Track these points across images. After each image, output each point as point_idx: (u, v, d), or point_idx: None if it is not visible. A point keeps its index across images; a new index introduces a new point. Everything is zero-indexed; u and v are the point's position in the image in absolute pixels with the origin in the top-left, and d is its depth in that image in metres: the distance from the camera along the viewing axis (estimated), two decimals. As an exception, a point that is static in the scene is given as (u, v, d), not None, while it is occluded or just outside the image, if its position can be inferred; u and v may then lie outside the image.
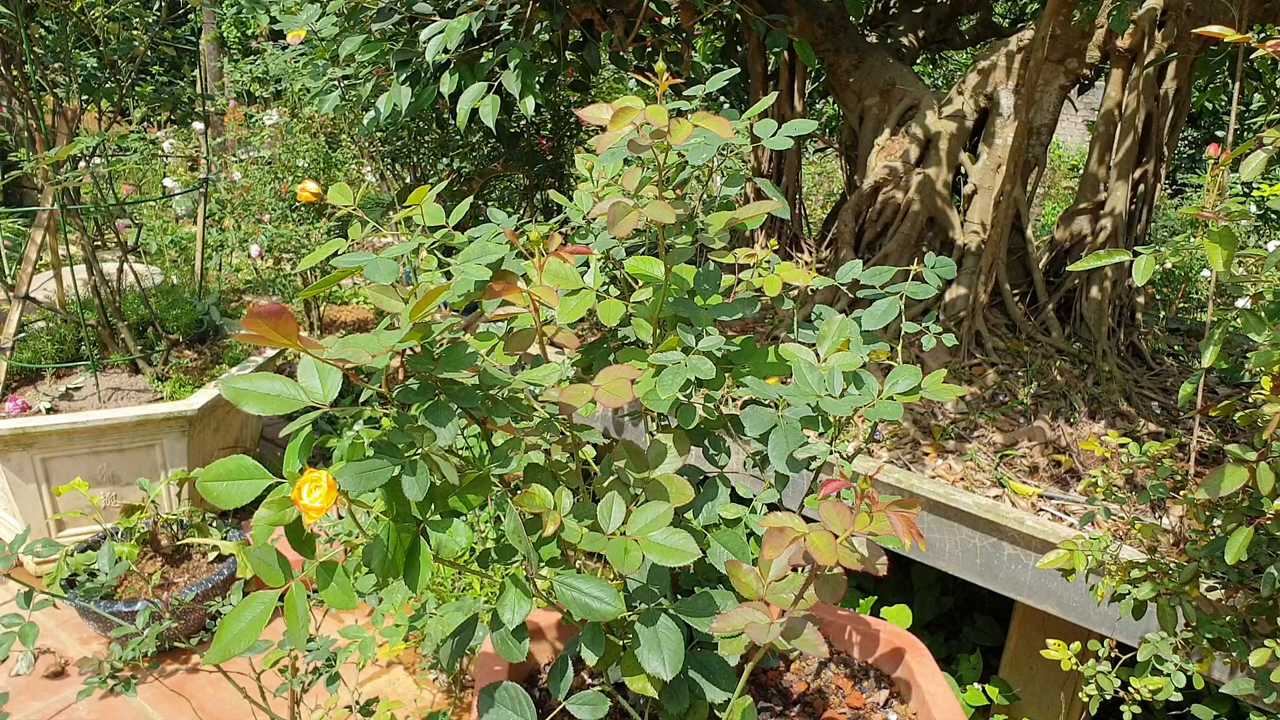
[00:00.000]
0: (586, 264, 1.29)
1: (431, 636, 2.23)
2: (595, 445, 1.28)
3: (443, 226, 1.26)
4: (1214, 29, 1.18)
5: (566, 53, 3.09)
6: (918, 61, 4.16)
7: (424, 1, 2.66)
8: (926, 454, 2.42)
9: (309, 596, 0.98)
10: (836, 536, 0.86)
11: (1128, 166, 2.88)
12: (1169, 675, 1.43)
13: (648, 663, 1.05)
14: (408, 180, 4.45)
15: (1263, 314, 1.25)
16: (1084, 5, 2.76)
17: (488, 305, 1.19)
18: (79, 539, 2.75)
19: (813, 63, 2.97)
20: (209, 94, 3.86)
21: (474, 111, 2.53)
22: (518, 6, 2.68)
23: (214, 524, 2.80)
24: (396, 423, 1.02)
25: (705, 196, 1.41)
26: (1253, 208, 4.36)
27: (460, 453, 1.13)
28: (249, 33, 10.74)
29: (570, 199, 1.42)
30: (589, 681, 1.37)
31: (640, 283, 1.29)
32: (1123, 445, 1.72)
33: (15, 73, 2.71)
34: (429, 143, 4.27)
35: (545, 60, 3.18)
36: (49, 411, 2.77)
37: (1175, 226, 5.81)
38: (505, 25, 2.69)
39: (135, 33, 2.89)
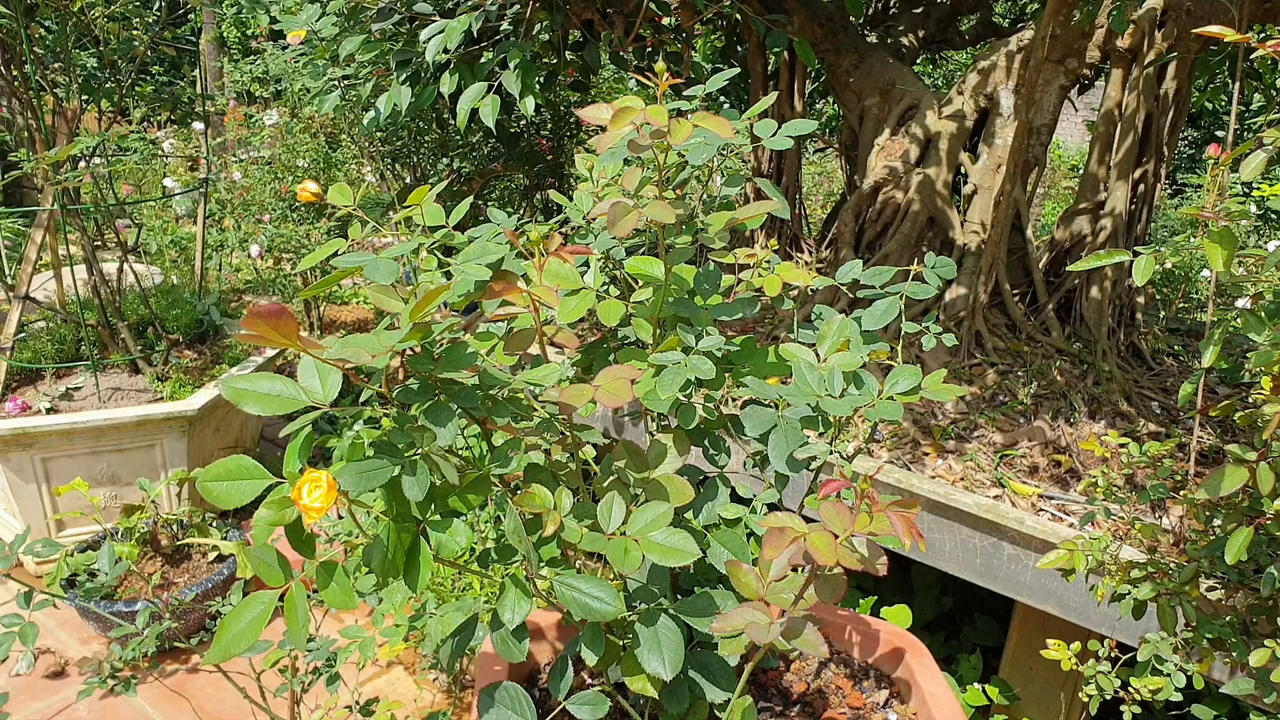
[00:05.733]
0: (586, 264, 1.29)
1: (431, 636, 2.23)
2: (595, 445, 1.28)
3: (443, 226, 1.26)
4: (1214, 29, 1.18)
5: (566, 53, 3.09)
6: (918, 61, 4.16)
7: (424, 1, 2.66)
8: (926, 454, 2.42)
9: (309, 596, 0.98)
10: (836, 536, 0.86)
11: (1128, 166, 2.88)
12: (1169, 675, 1.43)
13: (648, 663, 1.05)
14: (408, 180, 4.45)
15: (1263, 314, 1.25)
16: (1084, 5, 2.76)
17: (488, 305, 1.19)
18: (79, 539, 2.75)
19: (813, 63, 2.97)
20: (209, 94, 3.86)
21: (474, 111, 2.53)
22: (518, 6, 2.68)
23: (214, 524, 2.80)
24: (396, 423, 1.02)
25: (705, 196, 1.41)
26: (1253, 208, 4.36)
27: (460, 453, 1.13)
28: (249, 33, 10.74)
29: (570, 199, 1.42)
30: (589, 681, 1.37)
31: (640, 283, 1.29)
32: (1123, 445, 1.72)
33: (15, 73, 2.71)
34: (429, 143, 4.27)
35: (545, 60, 3.18)
36: (49, 411, 2.77)
37: (1175, 226, 5.81)
38: (505, 25, 2.69)
39: (135, 33, 2.89)
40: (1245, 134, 6.29)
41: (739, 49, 3.81)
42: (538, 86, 2.58)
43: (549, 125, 4.40)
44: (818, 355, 1.22)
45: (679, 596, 1.26)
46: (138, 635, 1.71)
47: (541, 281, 1.08)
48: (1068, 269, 2.53)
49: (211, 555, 2.70)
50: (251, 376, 0.97)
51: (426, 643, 2.33)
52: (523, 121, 4.29)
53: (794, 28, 3.07)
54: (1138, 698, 1.43)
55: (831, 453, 1.18)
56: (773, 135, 1.26)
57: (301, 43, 3.59)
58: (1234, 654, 1.36)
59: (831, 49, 3.32)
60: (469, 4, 2.58)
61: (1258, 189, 4.65)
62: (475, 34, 2.54)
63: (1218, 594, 1.53)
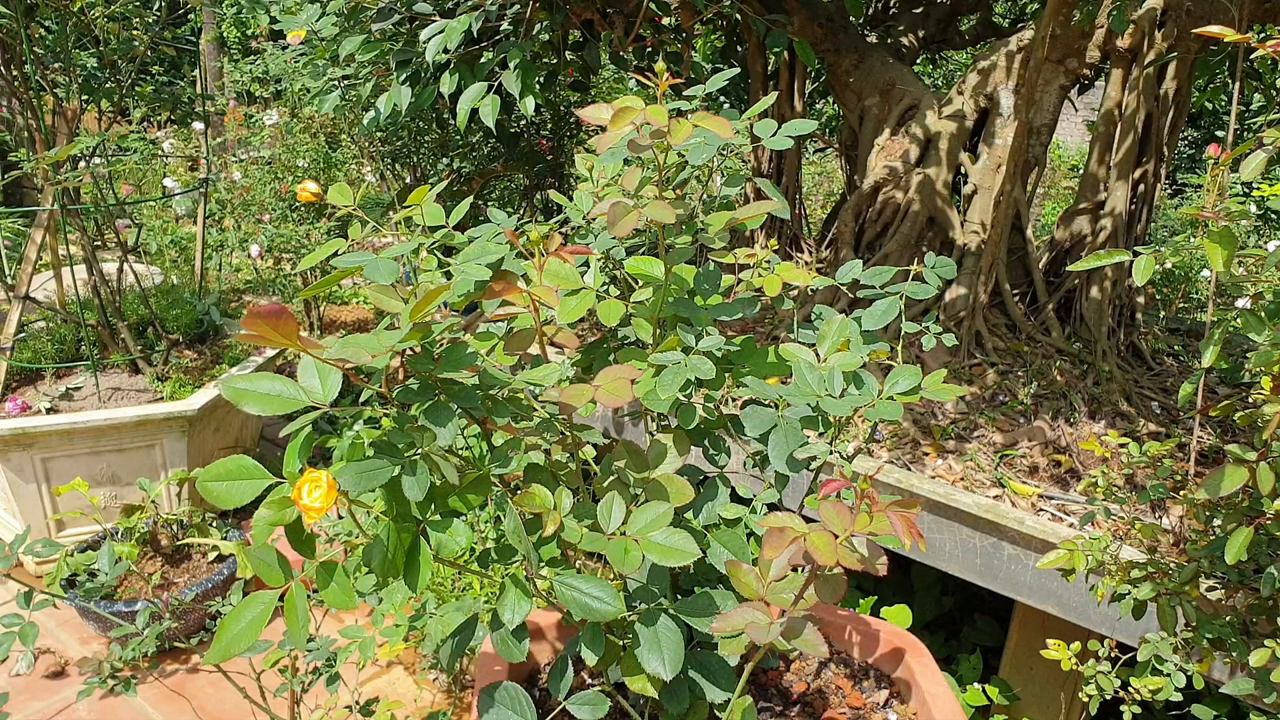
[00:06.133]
0: (586, 264, 1.29)
1: (431, 636, 2.23)
2: (595, 445, 1.28)
3: (443, 226, 1.26)
4: (1214, 29, 1.18)
5: (566, 53, 3.09)
6: (918, 61, 4.17)
7: (424, 1, 2.66)
8: (926, 454, 2.42)
9: (309, 596, 0.98)
10: (836, 536, 0.86)
11: (1128, 166, 2.88)
12: (1169, 675, 1.43)
13: (648, 663, 1.05)
14: (408, 180, 4.45)
15: (1263, 314, 1.25)
16: (1084, 5, 2.76)
17: (488, 305, 1.19)
18: (79, 539, 2.75)
19: (813, 63, 2.97)
20: (209, 94, 3.86)
21: (474, 111, 2.53)
22: (518, 6, 2.68)
23: (214, 524, 2.80)
24: (396, 423, 1.02)
25: (705, 196, 1.41)
26: (1253, 208, 4.37)
27: (460, 453, 1.13)
28: (249, 33, 10.74)
29: (570, 199, 1.42)
30: (589, 681, 1.37)
31: (640, 283, 1.29)
32: (1123, 445, 1.72)
33: (15, 73, 2.71)
34: (429, 143, 4.27)
35: (545, 60, 3.18)
36: (49, 411, 2.77)
37: (1175, 226, 5.81)
38: (505, 25, 2.69)
39: (135, 33, 2.89)
40: (1245, 134, 6.29)
41: (739, 49, 3.81)
42: (538, 86, 2.58)
43: (549, 125, 4.40)
44: (818, 355, 1.22)
45: (679, 596, 1.26)
46: (138, 635, 1.71)
47: (541, 281, 1.08)
48: (1068, 269, 2.53)
49: (211, 555, 2.70)
50: (251, 376, 0.97)
51: (426, 643, 2.33)
52: (523, 121, 4.29)
53: (794, 28, 3.07)
54: (1138, 698, 1.43)
55: (831, 453, 1.18)
56: (773, 135, 1.26)
57: (301, 43, 3.59)
58: (1234, 654, 1.36)
59: (831, 49, 3.32)
60: (469, 4, 2.58)
61: (1258, 189, 4.64)
62: (475, 34, 2.54)
63: (1218, 594, 1.53)
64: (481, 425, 1.17)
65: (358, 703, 2.03)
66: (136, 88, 3.19)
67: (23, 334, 3.02)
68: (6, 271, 3.10)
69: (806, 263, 3.60)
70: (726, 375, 1.27)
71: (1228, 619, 1.40)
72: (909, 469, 2.35)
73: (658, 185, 1.16)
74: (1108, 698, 1.47)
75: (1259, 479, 1.19)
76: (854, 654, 1.51)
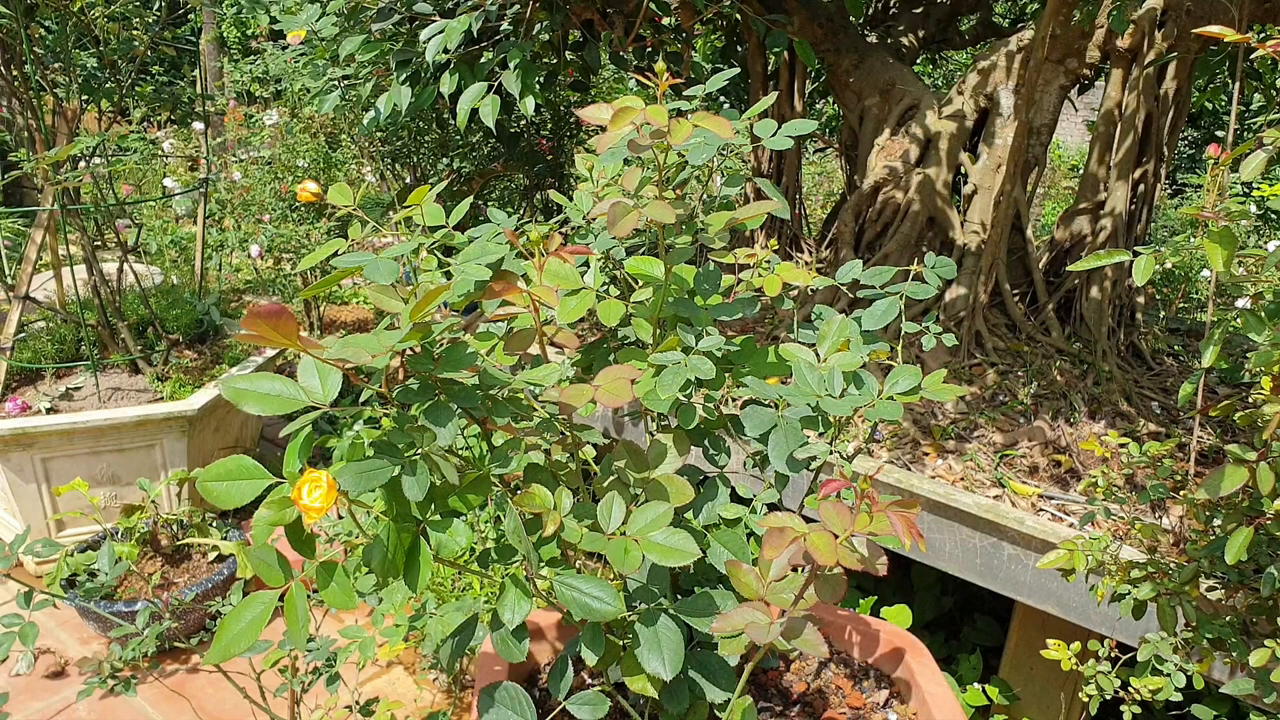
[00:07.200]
0: (586, 264, 1.29)
1: (431, 636, 2.23)
2: (595, 445, 1.28)
3: (443, 226, 1.26)
4: (1214, 29, 1.18)
5: (566, 53, 3.09)
6: (918, 61, 4.16)
7: (424, 1, 2.66)
8: (926, 454, 2.42)
9: (309, 596, 0.98)
10: (836, 536, 0.86)
11: (1128, 166, 2.88)
12: (1169, 675, 1.43)
13: (648, 663, 1.05)
14: (408, 180, 4.45)
15: (1263, 314, 1.25)
16: (1084, 5, 2.76)
17: (488, 305, 1.19)
18: (79, 539, 2.75)
19: (813, 63, 2.97)
20: (209, 94, 3.86)
21: (474, 111, 2.53)
22: (518, 6, 2.68)
23: (214, 524, 2.80)
24: (396, 423, 1.02)
25: (705, 196, 1.41)
26: (1253, 208, 4.36)
27: (460, 453, 1.13)
28: (249, 33, 10.74)
29: (570, 199, 1.42)
30: (589, 681, 1.37)
31: (640, 283, 1.29)
32: (1123, 445, 1.72)
33: (15, 73, 2.71)
34: (429, 143, 4.27)
35: (545, 60, 3.18)
36: (49, 411, 2.77)
37: (1175, 226, 5.81)
38: (505, 25, 2.69)
39: (135, 33, 2.89)
40: (1245, 134, 6.29)
41: (739, 49, 3.81)
42: (538, 86, 2.58)
43: (549, 125, 4.40)
44: (818, 355, 1.22)
45: (679, 596, 1.26)
46: (138, 635, 1.71)
47: (541, 281, 1.08)
48: (1068, 269, 2.53)
49: (211, 555, 2.70)
50: (251, 376, 0.97)
51: (426, 643, 2.33)
52: (523, 121, 4.29)
53: (794, 28, 3.07)
54: (1138, 698, 1.43)
55: (831, 453, 1.18)
56: (773, 135, 1.26)
57: (301, 43, 3.60)
58: (1234, 654, 1.36)
59: (831, 49, 3.32)
60: (469, 4, 2.58)
61: (1258, 189, 4.65)
62: (475, 34, 2.54)
63: (1218, 594, 1.53)
64: (481, 425, 1.17)
65: (358, 703, 2.03)
66: (136, 88, 3.19)
67: (23, 334, 3.02)
68: (6, 271, 3.10)
69: (806, 263, 3.60)
70: (726, 375, 1.27)
71: (1228, 619, 1.40)
72: (909, 469, 2.35)
73: (658, 185, 1.16)
74: (1108, 698, 1.47)
75: (1259, 479, 1.19)
76: (854, 654, 1.51)
